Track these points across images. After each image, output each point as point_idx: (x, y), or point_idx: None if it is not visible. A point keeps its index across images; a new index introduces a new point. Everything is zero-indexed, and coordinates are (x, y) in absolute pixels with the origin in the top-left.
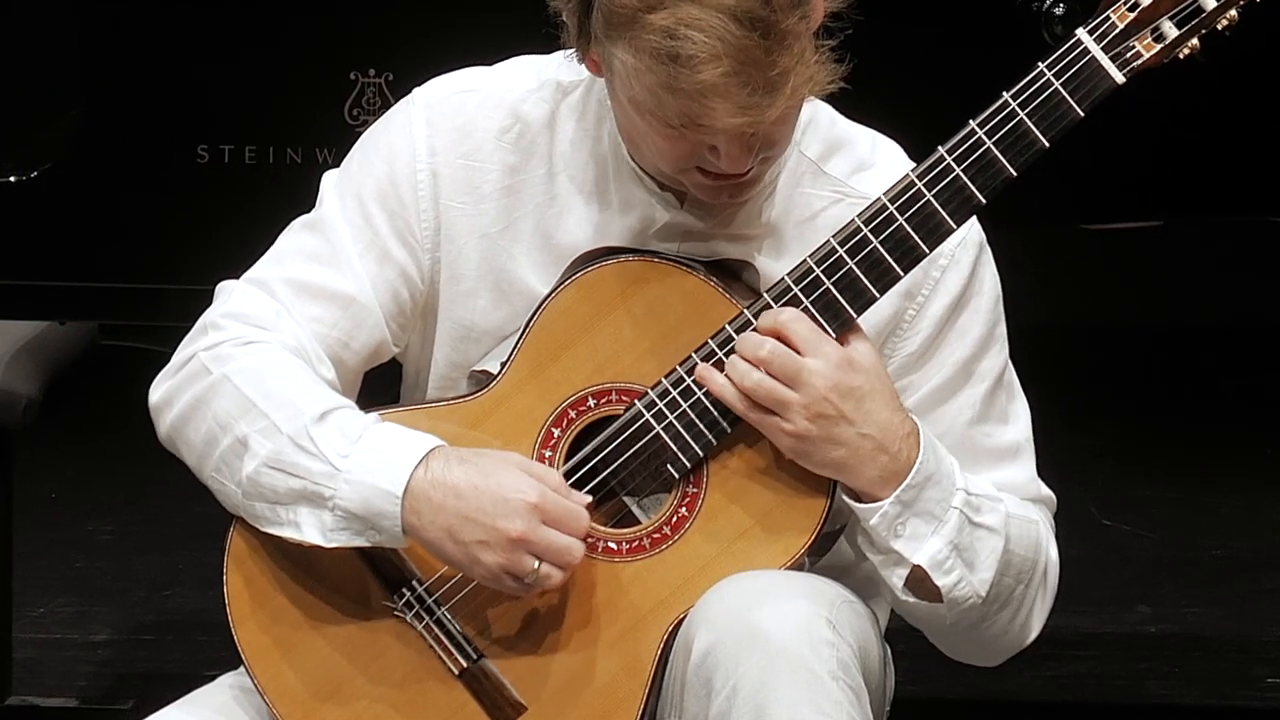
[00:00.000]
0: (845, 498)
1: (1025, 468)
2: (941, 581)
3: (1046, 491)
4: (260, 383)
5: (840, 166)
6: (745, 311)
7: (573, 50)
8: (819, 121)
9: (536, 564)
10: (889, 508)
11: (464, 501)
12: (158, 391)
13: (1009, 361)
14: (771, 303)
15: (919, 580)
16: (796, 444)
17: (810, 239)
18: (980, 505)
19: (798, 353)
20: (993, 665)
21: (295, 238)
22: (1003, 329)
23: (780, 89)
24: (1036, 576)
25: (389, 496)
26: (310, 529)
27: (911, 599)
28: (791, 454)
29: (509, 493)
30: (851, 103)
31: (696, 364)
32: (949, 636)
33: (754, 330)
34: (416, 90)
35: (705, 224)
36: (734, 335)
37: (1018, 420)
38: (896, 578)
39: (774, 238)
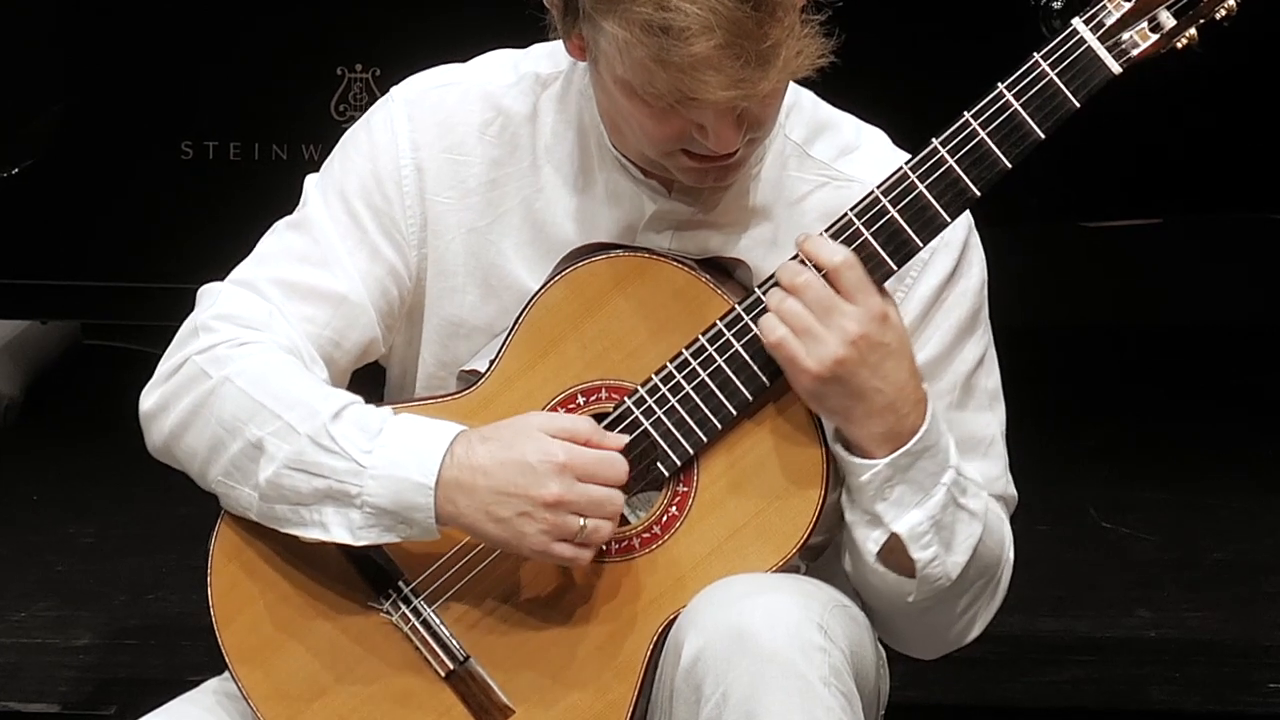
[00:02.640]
0: (839, 449)
1: (997, 461)
2: (918, 555)
3: (1012, 491)
4: (265, 384)
5: (825, 150)
6: (737, 308)
7: (556, 35)
8: (802, 105)
9: (582, 522)
10: (882, 468)
11: (493, 478)
12: (149, 399)
13: (992, 348)
14: (763, 298)
15: (891, 550)
16: (814, 385)
17: (799, 221)
18: (967, 488)
19: (841, 295)
20: (929, 658)
21: (280, 239)
22: (986, 315)
23: (772, 62)
24: (996, 574)
25: (421, 488)
26: (338, 528)
27: (881, 568)
28: (807, 395)
29: (534, 458)
30: (845, 94)
31: (688, 360)
32: (899, 619)
33: (801, 261)
34: (394, 89)
35: (694, 210)
36: (725, 331)
37: (996, 411)
38: (872, 542)
39: (764, 221)
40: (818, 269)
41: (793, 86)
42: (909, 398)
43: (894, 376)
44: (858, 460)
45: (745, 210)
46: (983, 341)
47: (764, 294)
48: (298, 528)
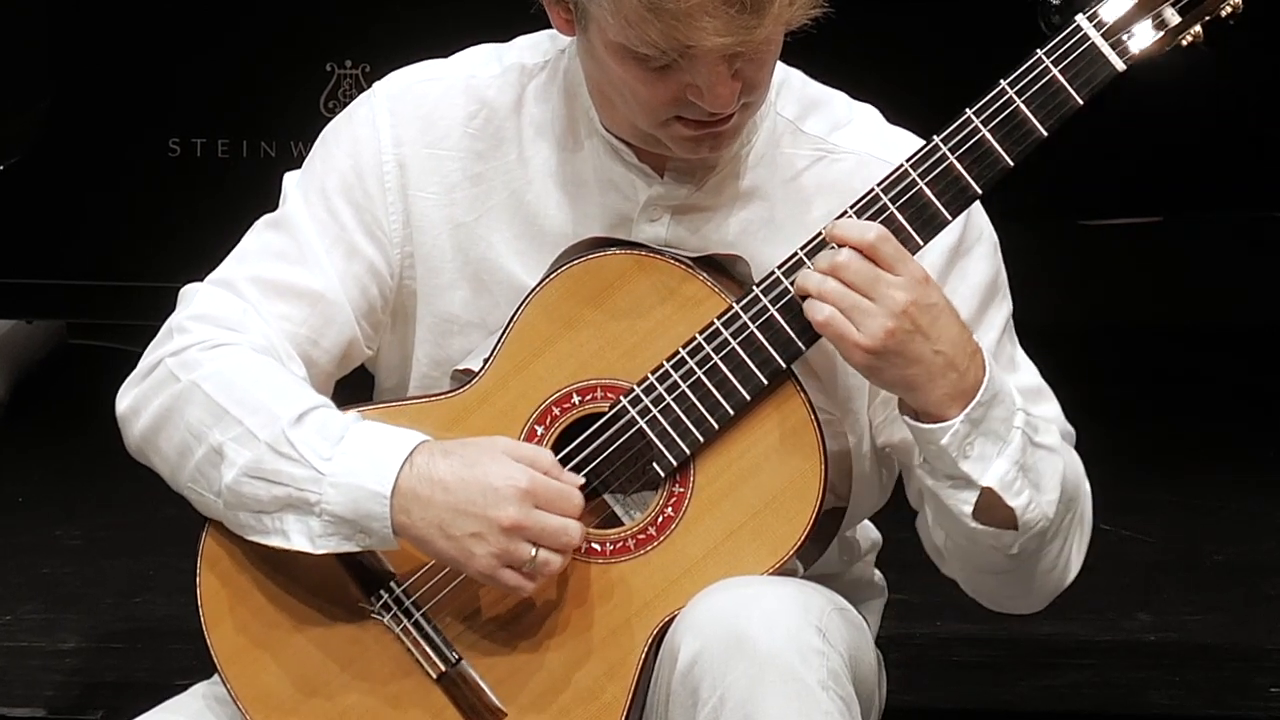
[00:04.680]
0: (909, 420)
1: (1051, 404)
2: (1014, 502)
3: (1070, 427)
4: (231, 388)
5: (818, 125)
6: (735, 306)
7: (545, 24)
8: (791, 84)
9: (533, 551)
10: (960, 426)
11: (452, 495)
12: (125, 400)
13: (1011, 314)
14: (761, 296)
15: (986, 506)
16: (871, 359)
17: (796, 198)
18: (1039, 426)
19: (882, 268)
20: (1034, 610)
21: (259, 237)
22: (1004, 277)
23: (767, 8)
24: (1079, 505)
25: (377, 497)
26: (298, 536)
27: (981, 526)
28: (864, 370)
29: (497, 480)
30: (844, 90)
31: (684, 359)
32: (1001, 575)
33: (832, 240)
34: (376, 84)
35: (688, 192)
36: (723, 330)
37: (1029, 365)
38: (965, 504)
39: (760, 200)
40: (854, 249)
41: (782, 66)
42: (965, 351)
43: (948, 334)
44: (932, 426)
45: (740, 190)
46: (1005, 304)
47: (762, 292)
48: (261, 535)
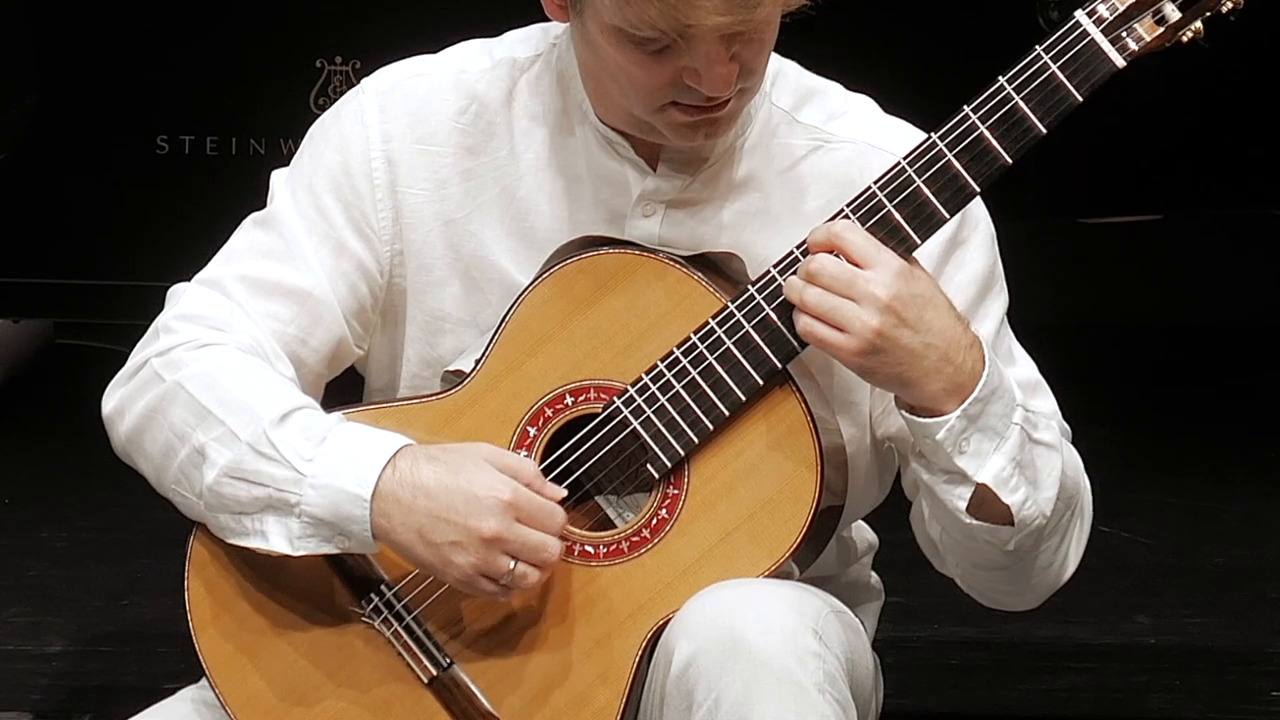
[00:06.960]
0: (905, 414)
1: (1048, 399)
2: (1010, 499)
3: (1066, 426)
4: (214, 388)
5: (814, 115)
6: (730, 305)
7: (538, 18)
8: (786, 74)
9: (512, 564)
10: (955, 421)
11: (434, 501)
12: (110, 401)
13: (1007, 306)
14: (756, 295)
15: (981, 502)
16: (861, 359)
17: (792, 188)
18: (1037, 422)
19: (854, 265)
20: (1030, 607)
21: (247, 235)
22: (1001, 269)
23: None
24: (1078, 503)
25: (357, 500)
26: (277, 538)
27: (976, 522)
28: (858, 371)
29: (481, 490)
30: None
31: (679, 359)
32: (997, 572)
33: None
34: (365, 80)
35: (682, 185)
36: (718, 329)
37: (1026, 359)
38: (959, 499)
39: (754, 192)
40: (826, 251)
41: (776, 57)
42: (960, 343)
43: (938, 325)
44: (928, 420)
45: (734, 181)
46: (1003, 296)
47: (757, 291)
48: (241, 538)
